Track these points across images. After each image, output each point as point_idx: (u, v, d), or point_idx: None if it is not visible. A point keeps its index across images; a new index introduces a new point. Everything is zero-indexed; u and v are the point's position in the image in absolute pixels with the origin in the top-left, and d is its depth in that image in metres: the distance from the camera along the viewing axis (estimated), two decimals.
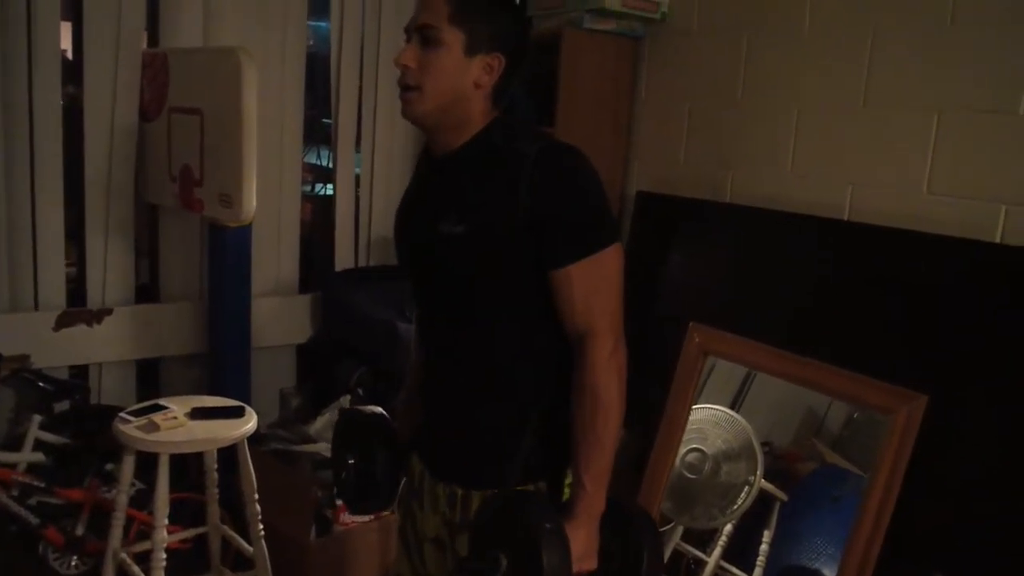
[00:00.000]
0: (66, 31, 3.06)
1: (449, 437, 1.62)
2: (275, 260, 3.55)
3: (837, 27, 2.54)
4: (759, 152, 2.75)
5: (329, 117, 3.70)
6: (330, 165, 3.84)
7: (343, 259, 3.72)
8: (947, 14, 2.30)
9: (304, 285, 3.70)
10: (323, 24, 3.76)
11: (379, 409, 1.84)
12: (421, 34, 1.43)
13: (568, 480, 1.54)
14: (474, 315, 1.53)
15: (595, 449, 1.46)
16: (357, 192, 3.76)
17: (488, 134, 1.49)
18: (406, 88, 1.45)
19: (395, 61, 1.46)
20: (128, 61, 3.06)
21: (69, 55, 3.20)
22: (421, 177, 1.64)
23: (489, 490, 1.55)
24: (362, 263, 3.78)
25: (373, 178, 3.73)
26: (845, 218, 2.53)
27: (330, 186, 3.90)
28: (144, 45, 3.15)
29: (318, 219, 4.12)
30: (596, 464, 1.46)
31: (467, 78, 1.44)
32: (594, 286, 1.44)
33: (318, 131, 4.03)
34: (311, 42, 3.63)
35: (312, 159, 4.20)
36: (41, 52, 2.90)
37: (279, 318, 3.53)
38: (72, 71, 3.11)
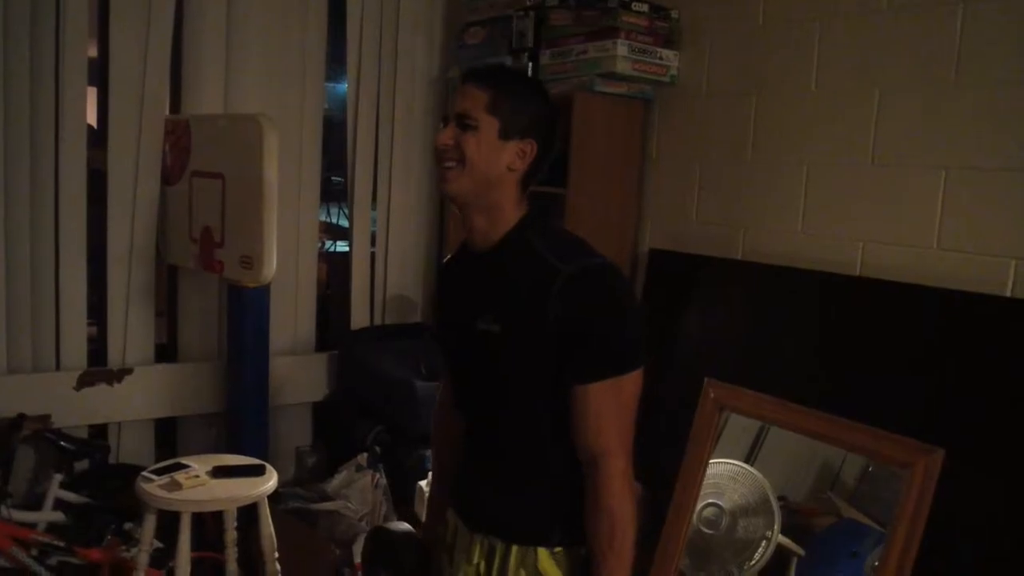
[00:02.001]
0: (91, 96, 3.15)
1: (492, 495, 1.64)
2: (292, 319, 3.59)
3: (843, 86, 2.59)
4: (770, 209, 2.79)
5: (342, 175, 3.77)
6: (343, 223, 3.89)
7: (359, 317, 3.76)
8: (951, 73, 2.35)
9: (321, 344, 3.73)
10: (339, 86, 3.86)
11: (407, 526, 1.90)
12: (459, 120, 1.51)
13: None
14: (510, 402, 1.57)
15: (615, 566, 1.49)
16: (372, 250, 3.81)
17: (523, 235, 1.54)
18: (446, 165, 1.51)
19: (435, 142, 1.54)
20: (151, 127, 3.15)
21: (94, 120, 3.28)
22: (460, 273, 1.69)
23: (530, 546, 1.57)
24: (378, 321, 3.81)
25: (389, 236, 3.78)
26: (857, 274, 2.56)
27: (342, 243, 3.94)
28: (167, 111, 3.23)
29: (333, 277, 4.17)
30: None
31: (501, 161, 1.51)
32: (609, 407, 1.48)
33: (332, 189, 4.10)
34: (327, 105, 3.72)
35: (323, 216, 4.27)
36: (68, 118, 3.00)
37: (296, 377, 3.57)
38: (96, 136, 3.19)
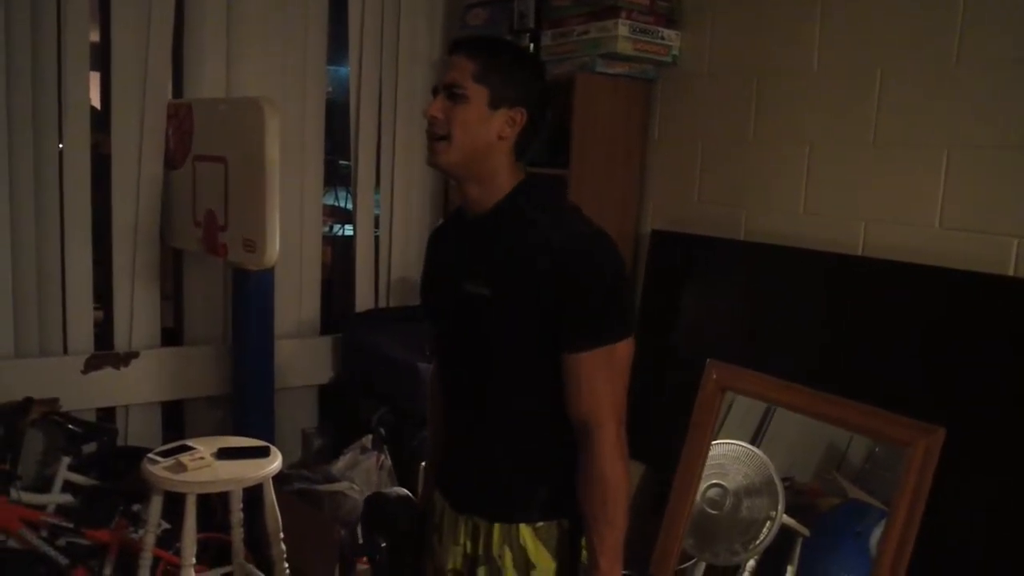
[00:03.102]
0: (94, 81, 3.15)
1: (472, 474, 1.66)
2: (297, 302, 3.60)
3: (845, 67, 2.58)
4: (772, 190, 2.79)
5: (347, 159, 3.77)
6: (348, 206, 3.90)
7: (363, 300, 3.77)
8: (952, 54, 2.34)
9: (325, 326, 3.75)
10: (342, 69, 3.85)
11: (403, 490, 1.93)
12: (448, 90, 1.51)
13: None
14: (496, 369, 1.58)
15: (607, 531, 1.51)
16: (376, 233, 3.82)
17: (516, 199, 1.55)
18: (435, 138, 1.52)
19: (424, 113, 1.54)
20: (154, 111, 3.15)
21: (97, 105, 3.29)
22: (450, 236, 1.70)
23: (512, 524, 1.58)
24: (382, 304, 3.82)
25: (392, 219, 3.79)
26: (859, 254, 2.55)
27: (348, 227, 3.95)
28: (169, 95, 3.23)
29: (338, 260, 4.18)
30: (609, 545, 1.51)
31: (491, 130, 1.51)
32: (601, 376, 1.49)
33: (336, 173, 4.10)
34: (330, 88, 3.71)
35: (329, 200, 4.27)
36: (71, 103, 3.00)
37: (301, 359, 3.58)
38: (100, 120, 3.20)
